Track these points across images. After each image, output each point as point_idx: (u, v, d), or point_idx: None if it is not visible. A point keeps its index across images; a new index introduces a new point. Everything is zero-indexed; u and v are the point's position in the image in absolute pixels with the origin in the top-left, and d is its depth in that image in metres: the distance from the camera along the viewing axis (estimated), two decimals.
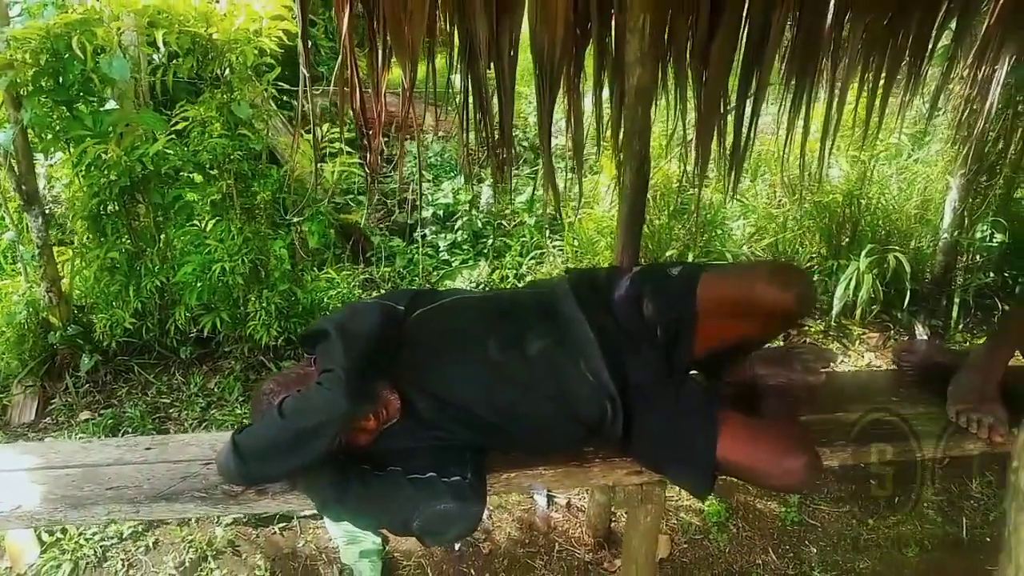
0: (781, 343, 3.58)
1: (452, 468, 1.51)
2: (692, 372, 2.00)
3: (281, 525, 2.34)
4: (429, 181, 4.39)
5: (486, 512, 2.39)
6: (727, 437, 1.55)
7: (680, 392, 1.66)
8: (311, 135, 3.55)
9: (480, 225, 4.17)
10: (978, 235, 3.80)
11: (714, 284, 1.65)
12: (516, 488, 1.74)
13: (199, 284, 3.21)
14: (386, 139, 5.07)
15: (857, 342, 3.62)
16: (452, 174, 4.40)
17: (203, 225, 3.31)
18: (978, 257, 3.85)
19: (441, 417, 1.60)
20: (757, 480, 1.64)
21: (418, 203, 4.25)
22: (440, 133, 4.72)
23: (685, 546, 2.31)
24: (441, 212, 4.25)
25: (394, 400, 1.58)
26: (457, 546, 2.27)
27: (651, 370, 1.66)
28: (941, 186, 4.01)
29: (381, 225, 4.23)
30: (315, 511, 1.60)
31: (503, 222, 4.16)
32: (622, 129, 2.16)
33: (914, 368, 2.19)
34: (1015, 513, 1.22)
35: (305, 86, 2.18)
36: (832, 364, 2.33)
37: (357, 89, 2.11)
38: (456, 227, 4.15)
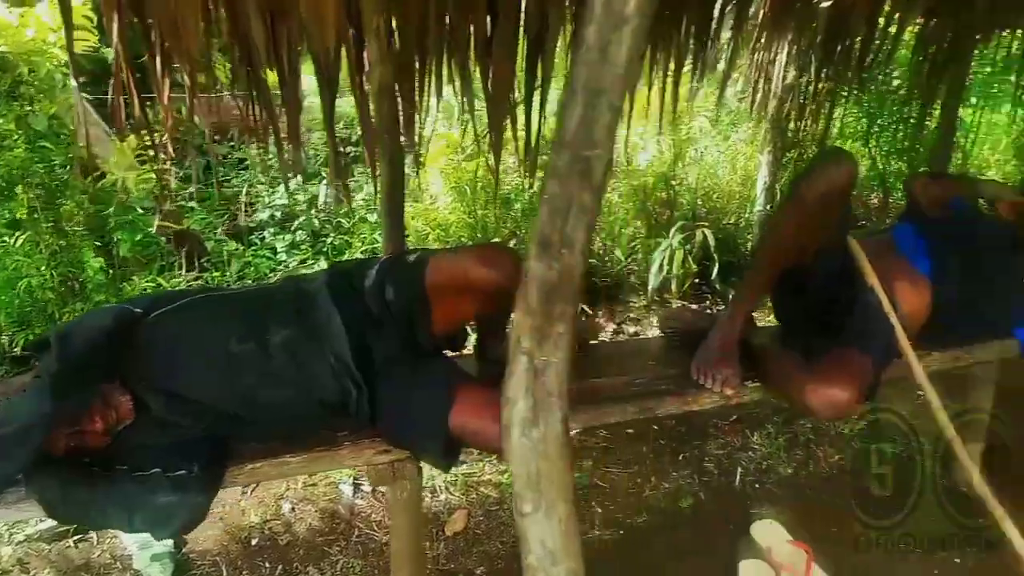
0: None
1: (180, 463, 1.55)
2: (459, 353, 2.12)
3: (77, 538, 2.32)
4: (264, 184, 4.38)
5: (287, 506, 2.45)
6: (461, 408, 1.64)
7: (420, 370, 1.75)
8: (124, 144, 3.52)
9: (319, 225, 4.18)
10: None
11: (437, 268, 1.75)
12: (263, 477, 1.79)
13: (7, 301, 3.12)
14: (231, 143, 5.04)
15: None
16: (291, 175, 4.39)
17: (12, 240, 3.22)
18: None
19: (178, 414, 1.64)
20: (490, 448, 1.75)
21: (244, 207, 4.23)
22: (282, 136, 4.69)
23: (481, 518, 2.41)
24: (279, 214, 4.24)
25: (125, 401, 1.61)
26: (254, 540, 2.31)
27: (395, 351, 1.76)
28: (756, 163, 4.28)
29: (219, 230, 4.19)
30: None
31: (342, 220, 4.18)
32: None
33: (678, 334, 2.36)
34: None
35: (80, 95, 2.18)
36: (597, 337, 2.49)
37: (134, 96, 2.13)
38: (294, 227, 4.16)
